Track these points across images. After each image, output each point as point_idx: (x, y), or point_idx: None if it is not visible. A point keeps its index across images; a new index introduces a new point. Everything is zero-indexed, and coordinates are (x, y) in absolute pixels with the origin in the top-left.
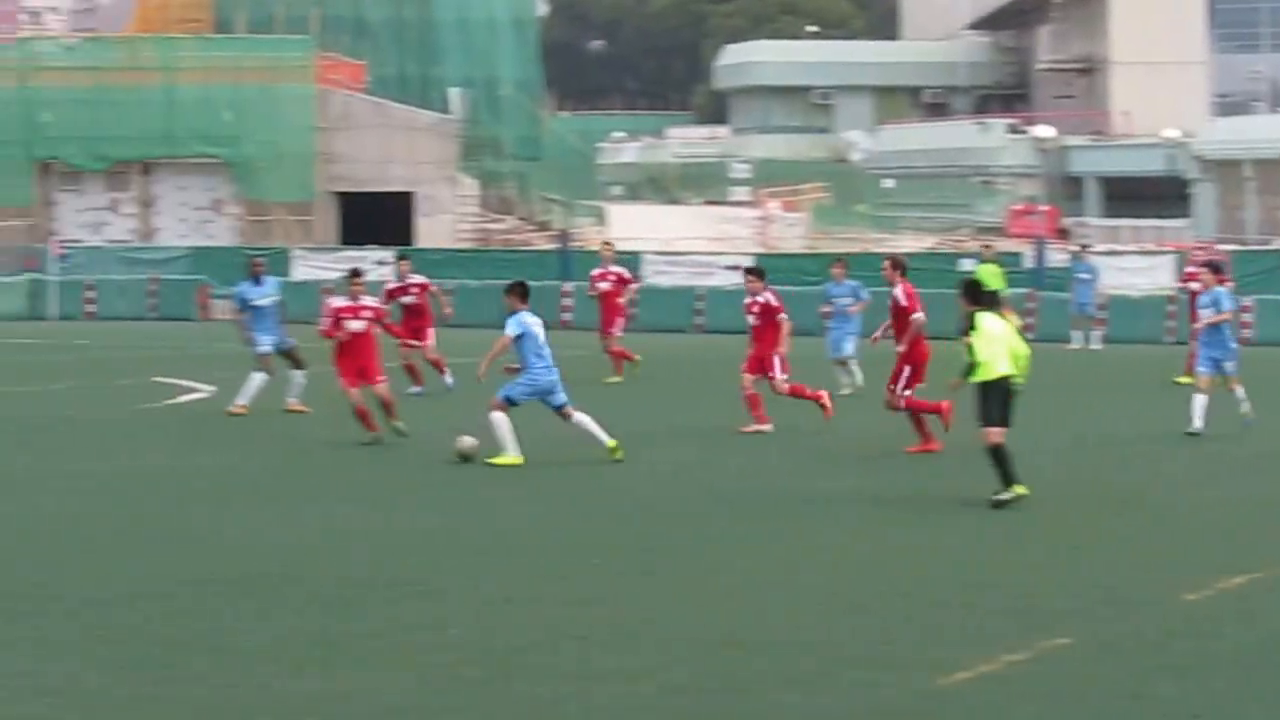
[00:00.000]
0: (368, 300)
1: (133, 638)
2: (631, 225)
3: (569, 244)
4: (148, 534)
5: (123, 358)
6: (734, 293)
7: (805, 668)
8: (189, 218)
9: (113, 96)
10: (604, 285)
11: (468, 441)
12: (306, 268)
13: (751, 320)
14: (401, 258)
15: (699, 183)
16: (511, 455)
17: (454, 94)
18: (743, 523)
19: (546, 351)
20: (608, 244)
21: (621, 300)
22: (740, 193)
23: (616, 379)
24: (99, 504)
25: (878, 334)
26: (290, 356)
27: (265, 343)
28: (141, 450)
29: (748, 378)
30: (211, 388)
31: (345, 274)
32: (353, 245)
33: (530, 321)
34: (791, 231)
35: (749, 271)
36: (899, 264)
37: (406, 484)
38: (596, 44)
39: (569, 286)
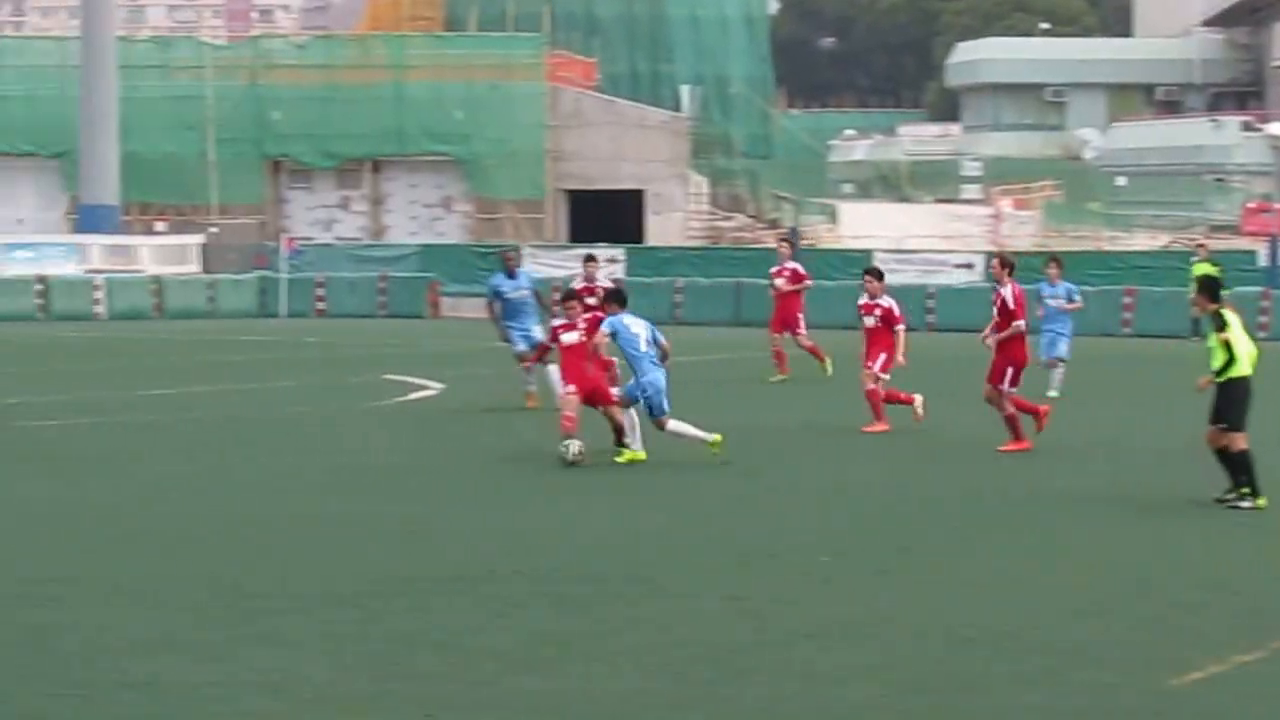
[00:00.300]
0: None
1: (363, 635)
2: (862, 223)
3: (799, 242)
4: (379, 531)
5: (353, 355)
6: (965, 290)
7: (1037, 666)
8: (419, 215)
9: (343, 94)
10: (780, 282)
11: (575, 447)
12: (536, 265)
13: (870, 322)
14: (589, 258)
15: (930, 180)
16: (712, 436)
17: (685, 91)
18: (974, 521)
19: (653, 351)
20: (785, 241)
21: (794, 294)
22: (971, 190)
23: (824, 371)
24: (331, 501)
25: (986, 333)
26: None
27: (520, 343)
28: (373, 447)
29: (880, 375)
30: (441, 385)
31: (560, 296)
32: (583, 243)
33: (627, 322)
34: (1023, 230)
35: (868, 272)
36: (1008, 263)
37: (633, 481)
38: (828, 41)
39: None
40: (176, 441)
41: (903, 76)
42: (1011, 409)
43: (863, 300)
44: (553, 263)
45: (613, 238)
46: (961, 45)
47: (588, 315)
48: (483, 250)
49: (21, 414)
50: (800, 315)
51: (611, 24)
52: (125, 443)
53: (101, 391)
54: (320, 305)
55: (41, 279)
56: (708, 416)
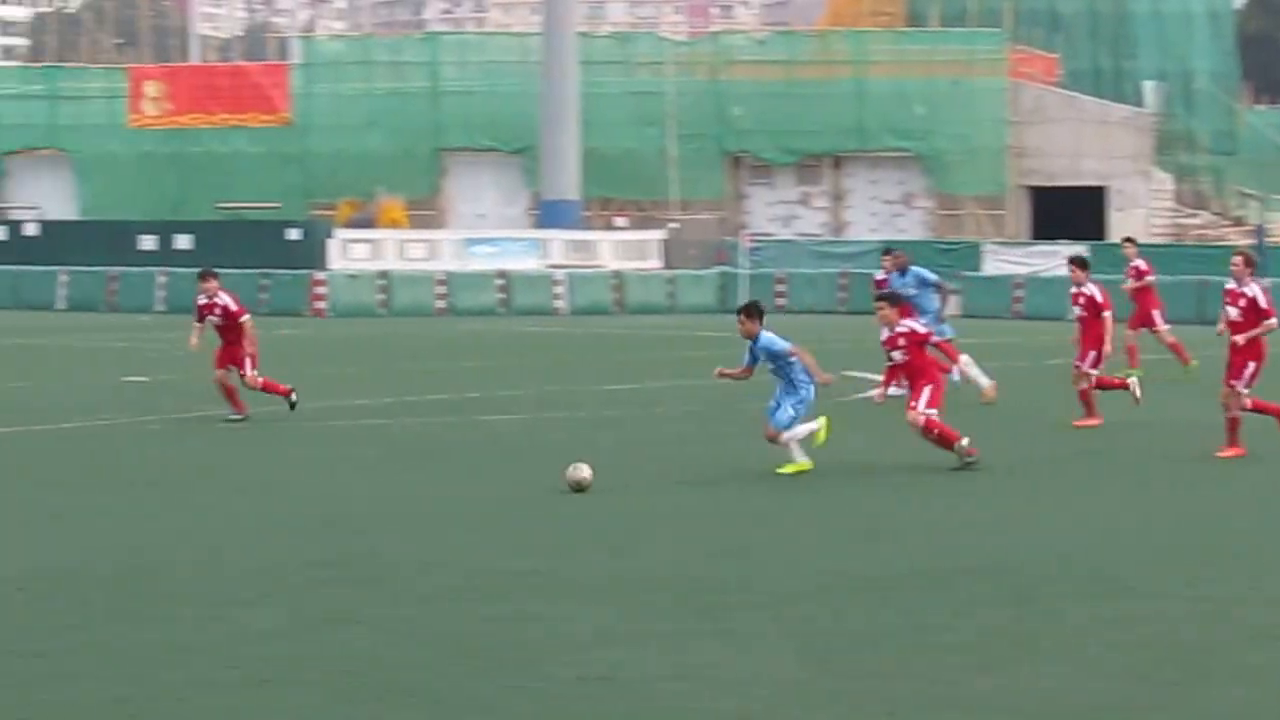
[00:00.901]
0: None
1: (822, 631)
2: None
3: (1265, 240)
4: (839, 526)
5: (814, 351)
6: None
7: None
8: (880, 211)
9: (803, 90)
10: (1130, 282)
11: (583, 472)
12: (997, 262)
13: (1078, 311)
14: (886, 252)
15: None
16: (805, 463)
17: (1148, 87)
18: None
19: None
20: (1130, 240)
21: (1146, 291)
22: None
23: (1187, 370)
24: (792, 496)
25: (1221, 329)
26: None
27: None
28: (839, 442)
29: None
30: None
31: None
32: (1044, 240)
33: (780, 336)
34: None
35: (1072, 261)
36: (1252, 260)
37: (1097, 480)
38: None
39: (1265, 283)
40: (636, 436)
41: None
42: (1238, 413)
43: (1071, 290)
44: (1014, 259)
45: (1074, 234)
46: None
47: (905, 331)
48: (944, 246)
49: (482, 408)
50: (1155, 312)
51: (1073, 19)
52: (584, 438)
53: (562, 386)
54: (780, 301)
55: (503, 274)
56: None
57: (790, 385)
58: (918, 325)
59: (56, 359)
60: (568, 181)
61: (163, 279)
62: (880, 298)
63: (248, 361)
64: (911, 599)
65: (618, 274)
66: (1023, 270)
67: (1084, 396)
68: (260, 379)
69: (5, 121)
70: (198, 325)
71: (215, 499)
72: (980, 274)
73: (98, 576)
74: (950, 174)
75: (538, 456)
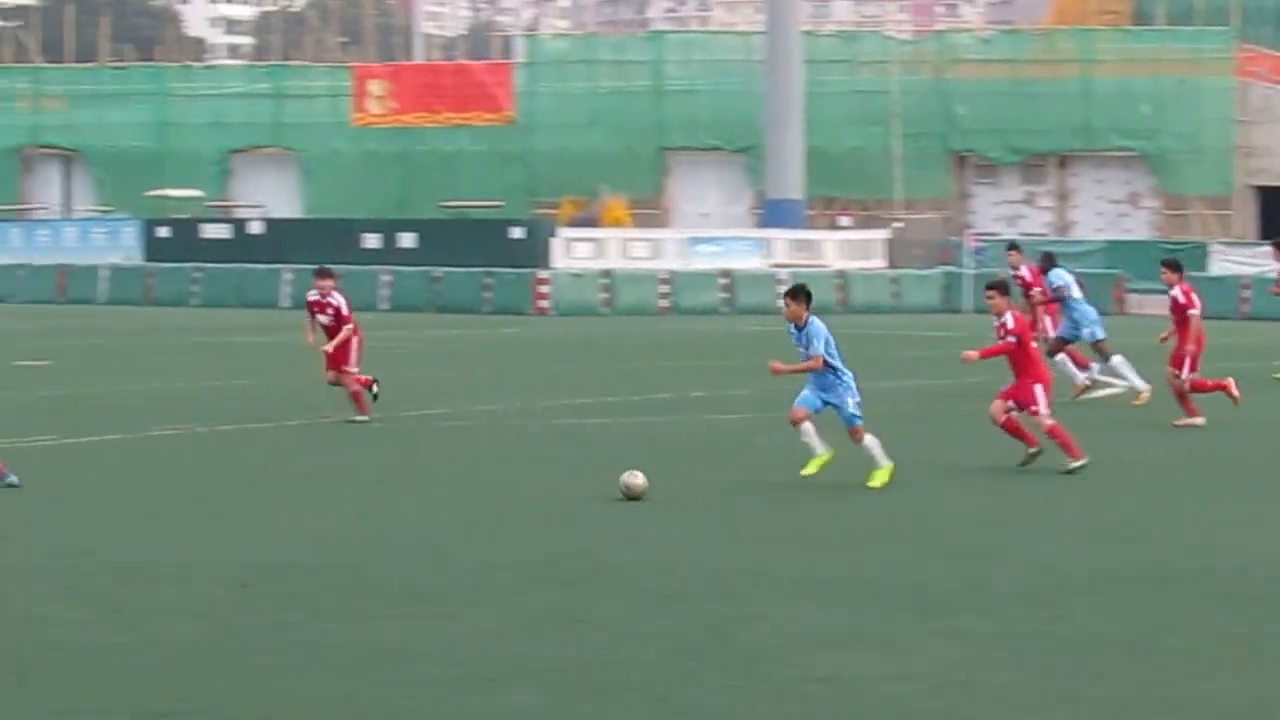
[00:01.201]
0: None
1: (1044, 633)
2: None
3: None
4: (1057, 527)
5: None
6: None
7: None
8: (1105, 211)
9: (1029, 89)
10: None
11: (638, 481)
12: (1224, 263)
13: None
14: (1011, 246)
15: None
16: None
17: None
18: None
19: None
20: (1277, 245)
21: None
22: None
23: None
24: (1013, 497)
25: None
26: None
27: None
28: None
29: (1171, 370)
30: (1123, 384)
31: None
32: (1272, 241)
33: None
34: None
35: (1163, 263)
36: None
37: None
38: None
39: None
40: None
41: None
42: None
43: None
44: (1241, 260)
45: None
46: None
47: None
48: (1170, 246)
49: (705, 407)
50: None
51: None
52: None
53: (784, 385)
54: None
55: (726, 273)
56: None
57: (832, 375)
58: (1010, 320)
59: (280, 357)
60: (792, 180)
61: (387, 277)
62: (990, 286)
63: (353, 355)
64: (1134, 601)
65: (842, 273)
66: (1250, 270)
67: (1198, 387)
68: (355, 384)
69: (231, 120)
70: (309, 321)
71: (436, 497)
72: (1207, 274)
73: (320, 574)
74: (1177, 174)
75: (760, 456)
